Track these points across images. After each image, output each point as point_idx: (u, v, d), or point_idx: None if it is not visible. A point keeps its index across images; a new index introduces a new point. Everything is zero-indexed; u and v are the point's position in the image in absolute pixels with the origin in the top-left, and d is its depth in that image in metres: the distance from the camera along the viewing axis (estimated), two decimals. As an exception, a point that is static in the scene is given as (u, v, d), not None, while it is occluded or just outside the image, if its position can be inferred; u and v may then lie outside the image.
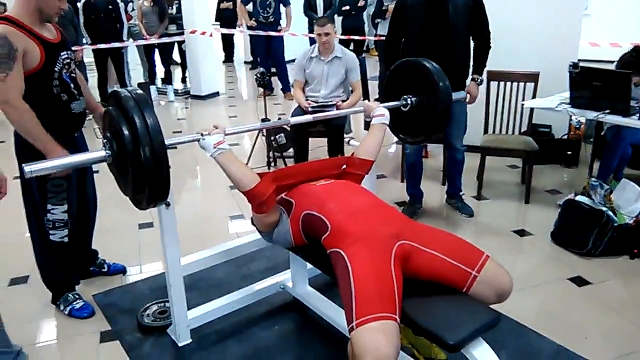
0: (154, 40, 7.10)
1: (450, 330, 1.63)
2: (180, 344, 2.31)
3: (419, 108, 2.55)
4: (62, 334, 2.46)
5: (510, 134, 3.95)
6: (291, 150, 4.73)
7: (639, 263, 2.95)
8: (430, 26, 3.14)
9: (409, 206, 3.64)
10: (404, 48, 3.28)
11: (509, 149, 3.81)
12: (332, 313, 2.35)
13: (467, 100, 3.31)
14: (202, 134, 2.02)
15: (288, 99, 7.07)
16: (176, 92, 7.72)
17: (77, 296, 2.59)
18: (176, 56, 8.43)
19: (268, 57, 7.29)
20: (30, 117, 2.15)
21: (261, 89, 4.84)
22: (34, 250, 2.51)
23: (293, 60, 4.50)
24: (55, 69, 2.25)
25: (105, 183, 1.97)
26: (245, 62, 10.42)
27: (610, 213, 2.98)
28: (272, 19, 7.02)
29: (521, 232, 3.34)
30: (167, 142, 1.83)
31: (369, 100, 2.67)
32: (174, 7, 7.48)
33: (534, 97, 3.83)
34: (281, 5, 7.05)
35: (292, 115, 4.10)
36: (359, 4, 7.57)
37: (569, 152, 4.41)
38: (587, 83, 3.26)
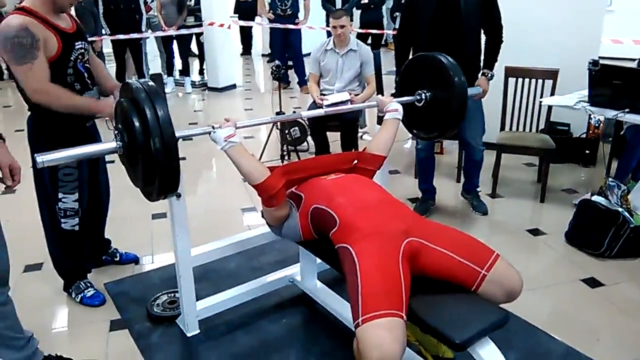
0: (172, 32, 7.13)
1: (457, 328, 1.61)
2: (188, 335, 2.33)
3: (433, 103, 2.52)
4: (72, 321, 2.50)
5: (528, 131, 3.90)
6: (305, 144, 4.73)
7: (655, 265, 2.90)
8: (442, 18, 3.10)
9: (421, 202, 3.61)
10: (415, 41, 3.24)
11: (525, 147, 3.75)
12: (340, 308, 2.35)
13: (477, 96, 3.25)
14: (213, 127, 2.02)
15: (304, 92, 7.05)
16: (193, 84, 7.75)
17: (88, 284, 2.62)
18: (194, 48, 8.47)
19: (285, 50, 7.28)
20: (65, 95, 2.24)
21: (276, 82, 4.83)
22: (46, 238, 2.54)
23: (309, 54, 4.48)
24: (71, 58, 2.28)
25: (119, 173, 1.99)
26: (263, 55, 10.42)
27: (627, 214, 2.93)
28: (290, 12, 6.99)
29: (535, 232, 3.30)
30: (178, 134, 1.84)
31: (382, 95, 2.64)
32: (193, -1, 7.50)
33: (552, 94, 3.76)
34: (299, -2, 7.03)
35: (309, 110, 4.10)
36: (377, -2, 7.54)
37: (587, 151, 4.34)
38: (607, 81, 3.19)
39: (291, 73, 7.59)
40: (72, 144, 1.85)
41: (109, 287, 2.71)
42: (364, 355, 1.51)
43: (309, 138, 4.57)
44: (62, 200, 2.40)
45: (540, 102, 3.72)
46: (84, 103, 2.31)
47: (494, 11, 3.17)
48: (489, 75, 3.25)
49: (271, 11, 7.08)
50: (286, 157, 4.61)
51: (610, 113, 3.16)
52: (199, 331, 2.35)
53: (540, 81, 3.80)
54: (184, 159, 4.58)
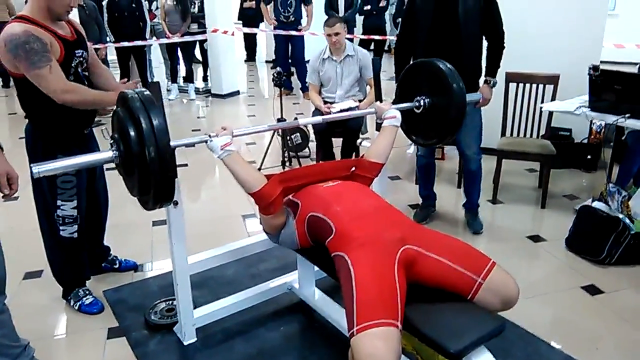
0: (176, 39, 7.17)
1: (452, 337, 1.60)
2: (185, 343, 2.32)
3: (432, 110, 2.51)
4: (70, 329, 2.50)
5: (529, 137, 3.88)
6: (306, 150, 4.74)
7: (656, 272, 2.88)
8: (440, 26, 3.07)
9: (422, 209, 3.60)
10: (415, 48, 3.23)
11: (525, 152, 3.73)
12: (338, 316, 2.33)
13: (479, 103, 3.22)
14: (210, 136, 2.03)
15: (307, 99, 7.06)
16: (197, 91, 7.78)
17: (87, 292, 2.62)
18: (198, 55, 8.49)
19: (287, 57, 7.30)
20: (87, 90, 2.30)
21: (278, 89, 4.84)
22: (45, 245, 2.55)
23: (310, 61, 4.49)
24: (72, 64, 2.30)
25: (119, 180, 2.00)
26: (267, 61, 10.45)
27: (627, 220, 2.91)
28: (293, 18, 7.03)
29: (535, 238, 3.28)
30: (173, 143, 1.85)
31: (381, 101, 2.64)
32: (196, 5, 7.53)
33: (553, 99, 3.75)
34: (302, 4, 7.05)
35: (313, 116, 4.10)
36: (380, 4, 7.55)
37: (589, 157, 4.32)
38: (608, 86, 3.18)
39: (294, 79, 7.60)
40: (70, 151, 1.86)
41: (107, 294, 2.72)
42: (358, 365, 1.51)
43: (311, 144, 4.57)
44: (61, 207, 2.41)
45: (541, 107, 3.71)
46: (103, 96, 2.36)
47: (495, 17, 3.11)
48: (492, 82, 3.18)
49: (274, 18, 7.11)
50: (287, 163, 4.62)
51: (611, 118, 3.15)
52: (195, 339, 2.34)
53: (541, 86, 3.79)
54: (185, 165, 4.60)
